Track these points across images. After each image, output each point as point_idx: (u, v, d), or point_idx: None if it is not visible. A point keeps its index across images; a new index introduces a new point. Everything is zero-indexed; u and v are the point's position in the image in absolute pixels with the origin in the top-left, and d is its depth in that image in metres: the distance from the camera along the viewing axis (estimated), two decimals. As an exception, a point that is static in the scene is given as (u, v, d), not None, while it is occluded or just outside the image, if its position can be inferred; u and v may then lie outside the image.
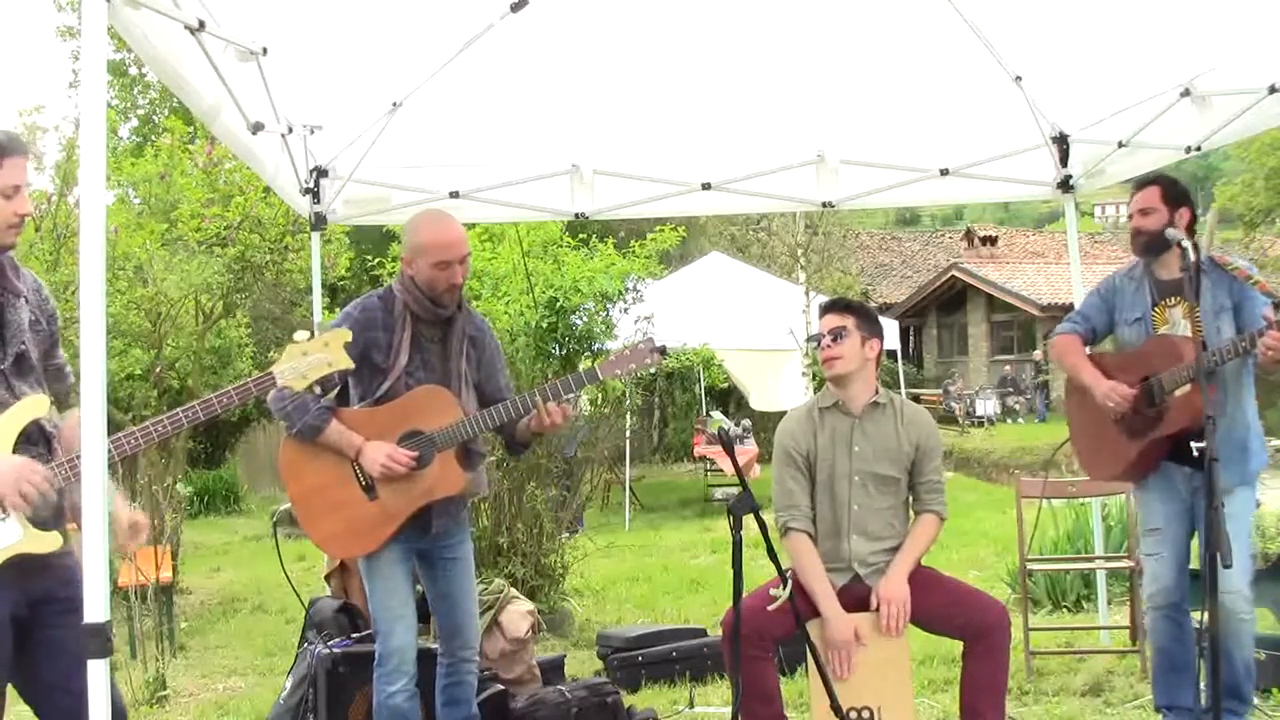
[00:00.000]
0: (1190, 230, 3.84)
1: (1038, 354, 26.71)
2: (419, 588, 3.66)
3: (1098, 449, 4.03)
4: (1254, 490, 3.84)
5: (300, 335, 2.87)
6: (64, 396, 2.79)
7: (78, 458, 2.52)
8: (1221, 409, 3.64)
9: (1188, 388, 3.61)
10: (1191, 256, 3.53)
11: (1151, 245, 3.85)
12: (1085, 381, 3.92)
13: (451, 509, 3.50)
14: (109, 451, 2.53)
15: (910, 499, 3.71)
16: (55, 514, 2.61)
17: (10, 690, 2.64)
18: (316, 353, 2.83)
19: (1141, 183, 3.95)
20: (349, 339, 2.89)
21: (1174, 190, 3.87)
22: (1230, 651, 3.62)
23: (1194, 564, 3.90)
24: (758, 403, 15.50)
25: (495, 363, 3.63)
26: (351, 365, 2.92)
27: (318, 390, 2.91)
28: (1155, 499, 3.89)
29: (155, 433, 2.68)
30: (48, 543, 2.55)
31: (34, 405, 2.59)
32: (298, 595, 4.61)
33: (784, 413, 3.95)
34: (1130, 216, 3.96)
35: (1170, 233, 3.71)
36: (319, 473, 3.37)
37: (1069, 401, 4.17)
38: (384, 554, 3.40)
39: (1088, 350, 4.09)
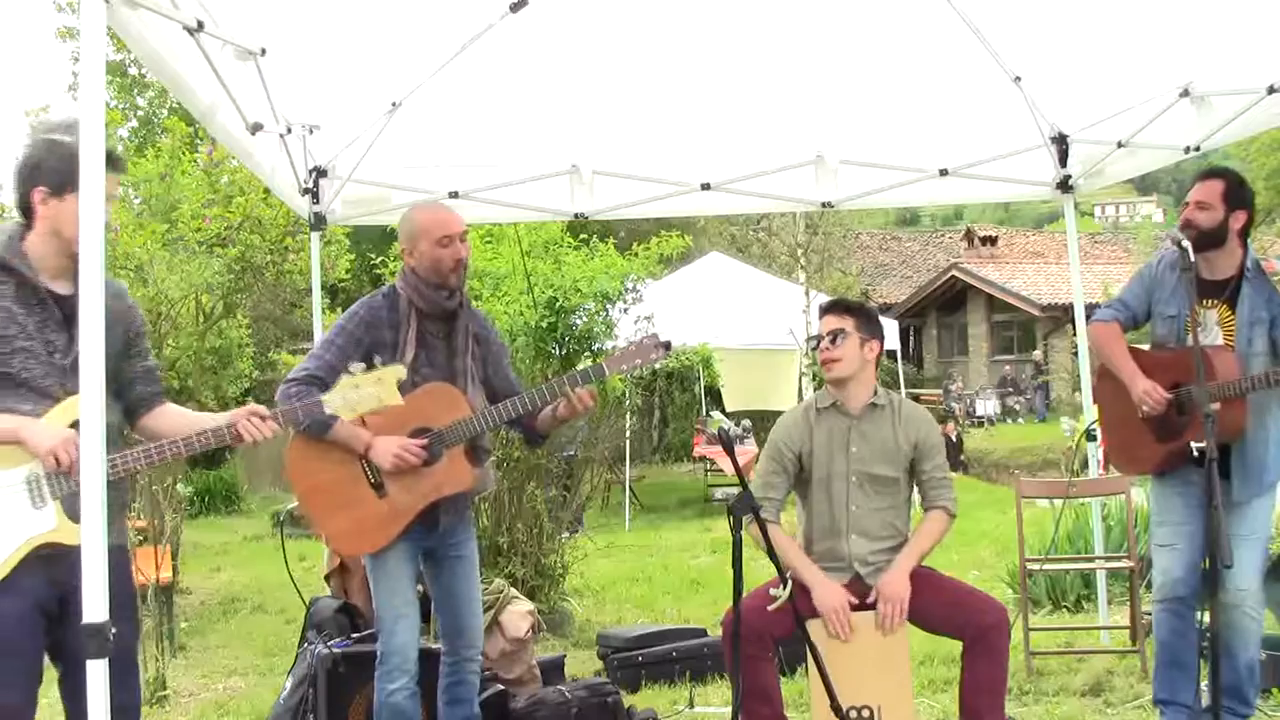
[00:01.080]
0: (1243, 236, 3.76)
1: (1037, 354, 26.74)
2: (421, 588, 3.66)
3: (1128, 443, 4.00)
4: (1271, 498, 3.80)
5: (355, 367, 2.98)
6: (150, 398, 2.92)
7: (121, 456, 2.66)
8: (1243, 432, 3.64)
9: (1217, 406, 3.51)
10: (1192, 257, 3.53)
11: (1199, 241, 3.70)
12: (1124, 377, 3.85)
13: (459, 507, 3.51)
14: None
15: (919, 497, 3.72)
16: None
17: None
18: (369, 387, 2.92)
19: (1207, 174, 3.80)
20: (403, 376, 2.99)
21: (1238, 191, 3.74)
22: (1235, 650, 3.62)
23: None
24: (753, 404, 15.45)
25: (502, 358, 3.66)
26: (402, 403, 3.01)
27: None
28: (1173, 492, 3.85)
29: (197, 444, 2.79)
30: (79, 534, 2.57)
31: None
32: (300, 596, 4.61)
33: (773, 411, 3.97)
34: (1186, 204, 3.81)
35: (1172, 232, 3.69)
36: (327, 470, 3.36)
37: (1100, 389, 4.13)
38: (390, 552, 3.41)
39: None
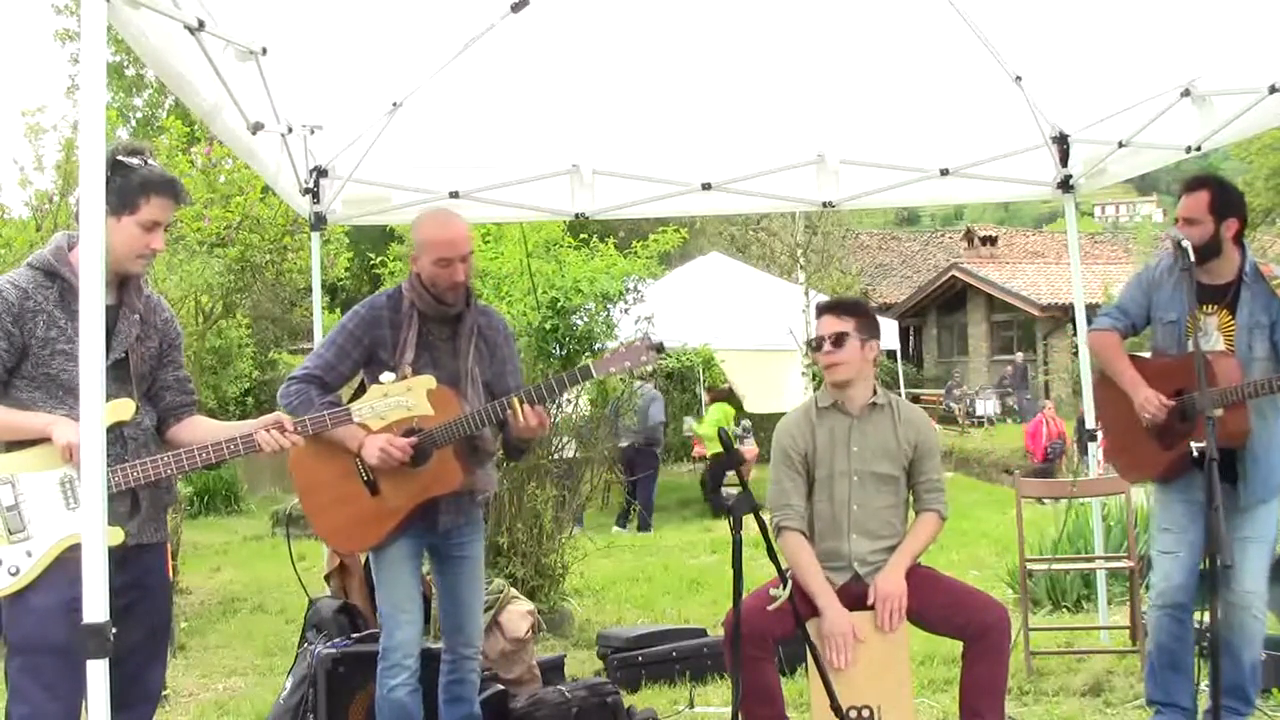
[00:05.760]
0: (1238, 240, 3.72)
1: (1019, 356, 26.58)
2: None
3: (1128, 450, 4.01)
4: (1278, 501, 3.75)
5: (386, 377, 3.02)
6: (179, 408, 3.02)
7: (147, 462, 2.75)
8: (1247, 437, 3.62)
9: (1220, 411, 3.51)
10: (1192, 257, 3.53)
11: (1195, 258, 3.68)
12: (1124, 385, 3.85)
13: (462, 506, 3.51)
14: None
15: (911, 499, 3.72)
16: (129, 511, 2.77)
17: None
18: (398, 396, 2.97)
19: (1191, 185, 3.73)
20: (433, 386, 3.02)
21: (1224, 199, 3.67)
22: (1239, 650, 3.63)
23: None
24: (754, 405, 15.49)
25: (506, 361, 3.61)
26: (432, 413, 3.03)
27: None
28: (1176, 499, 3.85)
29: (218, 453, 2.86)
30: (109, 536, 2.58)
31: (120, 408, 2.75)
32: (305, 589, 4.58)
33: (783, 413, 3.95)
34: (1176, 221, 3.76)
35: (1171, 232, 3.69)
36: (325, 467, 3.39)
37: (1101, 395, 4.15)
38: (391, 548, 3.44)
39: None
